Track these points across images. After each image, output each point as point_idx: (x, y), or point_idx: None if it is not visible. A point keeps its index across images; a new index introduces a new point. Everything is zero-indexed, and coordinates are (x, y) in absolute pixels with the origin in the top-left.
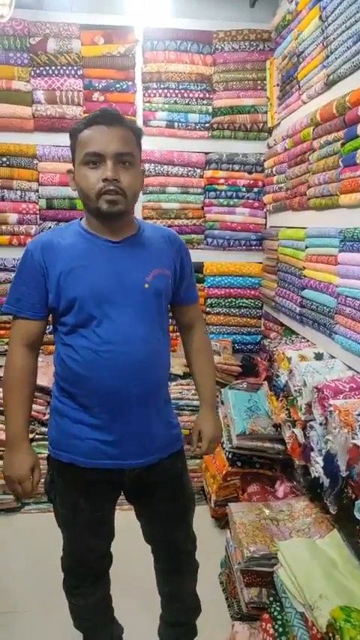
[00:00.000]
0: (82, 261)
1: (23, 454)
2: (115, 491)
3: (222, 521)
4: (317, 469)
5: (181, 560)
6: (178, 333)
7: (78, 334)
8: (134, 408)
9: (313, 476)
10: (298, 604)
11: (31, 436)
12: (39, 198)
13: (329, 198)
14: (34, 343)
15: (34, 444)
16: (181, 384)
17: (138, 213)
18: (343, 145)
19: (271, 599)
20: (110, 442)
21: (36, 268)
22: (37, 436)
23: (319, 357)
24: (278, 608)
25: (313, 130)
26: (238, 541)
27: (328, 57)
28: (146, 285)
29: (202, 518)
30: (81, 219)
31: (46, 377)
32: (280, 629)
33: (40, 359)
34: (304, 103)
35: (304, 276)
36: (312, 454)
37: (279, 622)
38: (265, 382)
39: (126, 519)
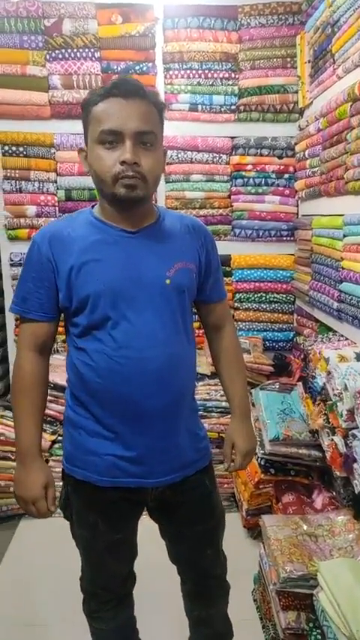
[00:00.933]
0: (94, 255)
1: (35, 471)
2: (137, 509)
3: (255, 531)
4: None
5: (210, 585)
6: (203, 330)
7: (92, 337)
8: (156, 420)
9: (357, 491)
10: (342, 636)
11: (52, 438)
12: (57, 189)
13: None
14: (45, 347)
15: (57, 445)
16: (209, 384)
17: (161, 203)
18: None
19: (311, 624)
20: (130, 458)
21: (44, 263)
22: (59, 437)
23: None
24: (319, 637)
25: (351, 105)
26: (273, 559)
27: None
28: (167, 281)
29: (233, 527)
30: (93, 206)
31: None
32: None
33: (61, 357)
34: (340, 78)
35: (342, 268)
36: (355, 466)
37: None
38: (300, 383)
39: (149, 527)
